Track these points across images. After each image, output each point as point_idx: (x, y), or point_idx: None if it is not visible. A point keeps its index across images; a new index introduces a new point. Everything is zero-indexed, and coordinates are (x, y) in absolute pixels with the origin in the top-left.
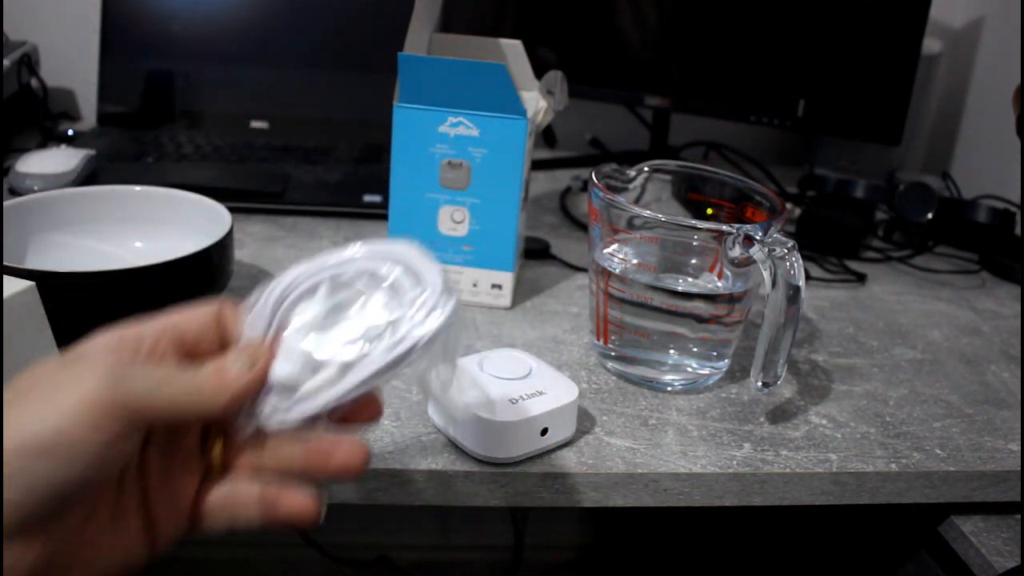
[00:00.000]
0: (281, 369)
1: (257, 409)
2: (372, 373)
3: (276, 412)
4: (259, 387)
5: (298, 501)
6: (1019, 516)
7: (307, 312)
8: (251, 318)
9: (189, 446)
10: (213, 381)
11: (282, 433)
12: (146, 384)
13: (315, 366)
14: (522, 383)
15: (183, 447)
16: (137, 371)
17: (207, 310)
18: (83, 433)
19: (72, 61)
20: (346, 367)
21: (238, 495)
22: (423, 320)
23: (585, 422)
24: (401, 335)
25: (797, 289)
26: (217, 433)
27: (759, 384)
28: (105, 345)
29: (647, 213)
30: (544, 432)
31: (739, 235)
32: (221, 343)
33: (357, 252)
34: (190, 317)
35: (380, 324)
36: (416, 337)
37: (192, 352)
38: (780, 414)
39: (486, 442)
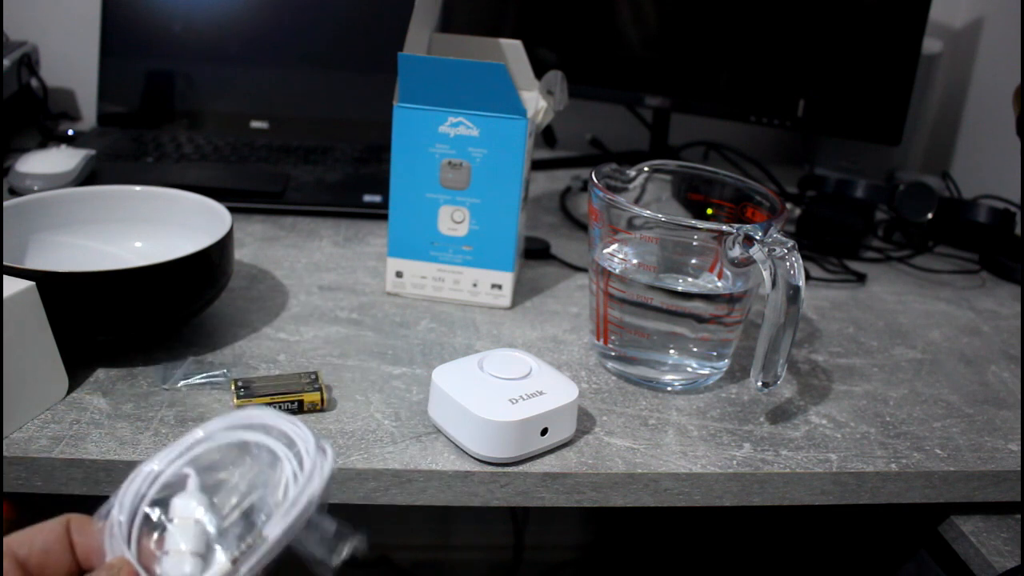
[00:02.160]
0: (178, 564)
1: None
2: (271, 546)
3: None
4: None
5: None
6: (1019, 516)
7: (184, 506)
8: (109, 529)
9: None
10: None
11: None
12: None
13: (207, 559)
14: (522, 383)
15: None
16: None
17: (53, 526)
18: None
19: (72, 61)
20: (243, 549)
21: None
22: (309, 478)
23: (585, 422)
24: (292, 498)
25: (797, 289)
26: None
27: (759, 384)
28: None
29: (647, 213)
30: (544, 432)
31: (739, 235)
32: (74, 559)
33: (210, 428)
34: (33, 537)
35: (264, 495)
36: (309, 496)
37: (40, 574)
38: (780, 414)
39: (486, 442)
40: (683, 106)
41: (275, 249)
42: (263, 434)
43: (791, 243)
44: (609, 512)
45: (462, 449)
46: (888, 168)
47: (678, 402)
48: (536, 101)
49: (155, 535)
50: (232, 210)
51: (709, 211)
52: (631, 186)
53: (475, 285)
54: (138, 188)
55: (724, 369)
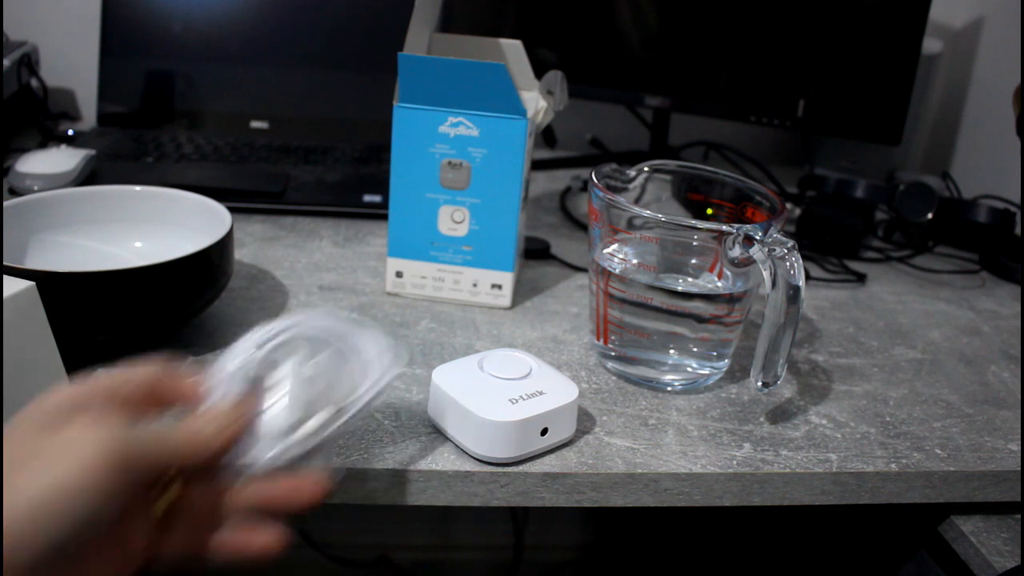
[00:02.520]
0: (278, 416)
1: (246, 454)
2: (360, 410)
3: (268, 455)
4: (238, 439)
5: (269, 536)
6: (1019, 516)
7: (289, 368)
8: (217, 377)
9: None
10: (196, 437)
11: (273, 474)
12: (146, 441)
13: (309, 412)
14: (522, 383)
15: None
16: (136, 429)
17: (147, 366)
18: (97, 488)
19: (72, 61)
20: (337, 409)
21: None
22: (388, 365)
23: (585, 422)
24: (374, 379)
25: (797, 289)
26: (167, 485)
27: (759, 384)
28: (92, 399)
29: (647, 213)
30: (544, 432)
31: (739, 235)
32: (159, 399)
33: (306, 316)
34: (126, 374)
35: (351, 372)
36: (388, 378)
37: (133, 405)
38: (780, 414)
39: (486, 442)
40: (683, 106)
41: (275, 249)
42: (345, 329)
43: (791, 243)
44: (609, 512)
45: (462, 449)
46: (888, 168)
47: (678, 402)
48: (536, 101)
49: (259, 389)
50: (232, 210)
51: (709, 211)
52: (631, 186)
53: (475, 285)
54: (138, 188)
55: (724, 369)
